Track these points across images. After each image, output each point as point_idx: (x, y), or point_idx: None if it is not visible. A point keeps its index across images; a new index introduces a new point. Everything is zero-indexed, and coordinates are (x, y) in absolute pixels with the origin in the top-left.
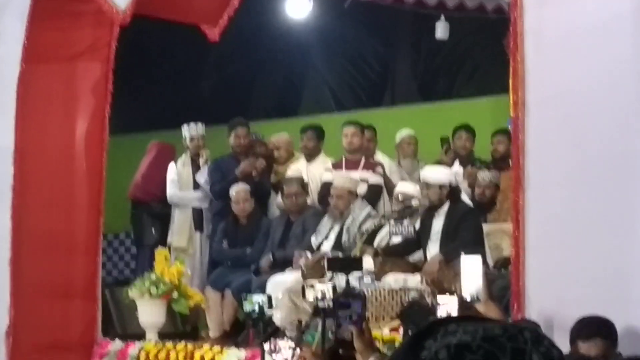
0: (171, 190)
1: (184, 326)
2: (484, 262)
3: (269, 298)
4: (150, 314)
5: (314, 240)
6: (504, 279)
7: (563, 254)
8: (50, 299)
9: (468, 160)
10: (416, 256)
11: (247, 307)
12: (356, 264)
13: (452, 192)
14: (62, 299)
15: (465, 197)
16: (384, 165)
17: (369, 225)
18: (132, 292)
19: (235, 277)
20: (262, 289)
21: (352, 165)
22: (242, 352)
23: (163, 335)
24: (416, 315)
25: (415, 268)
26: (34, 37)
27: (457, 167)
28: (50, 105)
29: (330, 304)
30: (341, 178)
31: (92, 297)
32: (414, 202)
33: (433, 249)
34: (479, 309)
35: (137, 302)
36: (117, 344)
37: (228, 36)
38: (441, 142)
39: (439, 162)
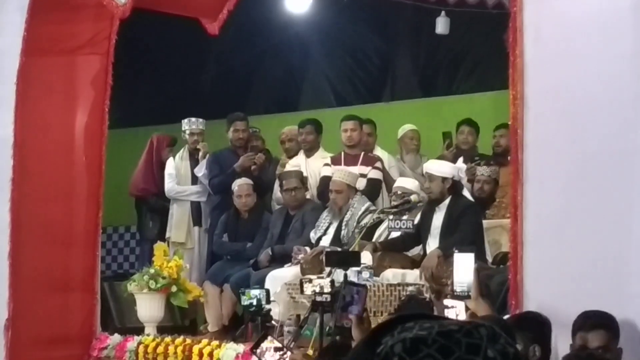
0: (169, 185)
1: (182, 320)
2: (483, 258)
3: (267, 292)
4: (149, 308)
5: (313, 235)
6: (502, 275)
7: (561, 249)
8: (49, 292)
9: (470, 155)
10: (415, 251)
11: (245, 301)
12: (354, 259)
13: (454, 186)
14: (61, 292)
15: (466, 193)
16: (383, 160)
17: (367, 220)
18: (131, 286)
19: (234, 271)
20: (260, 284)
21: (351, 160)
22: (241, 347)
23: (162, 329)
24: (414, 310)
25: (414, 263)
26: (34, 30)
27: (460, 162)
28: (49, 98)
29: (329, 297)
30: (340, 172)
31: (90, 290)
32: (413, 197)
33: (433, 243)
34: (469, 305)
35: (135, 296)
36: (115, 338)
37: (228, 30)
38: (443, 137)
39: (441, 157)
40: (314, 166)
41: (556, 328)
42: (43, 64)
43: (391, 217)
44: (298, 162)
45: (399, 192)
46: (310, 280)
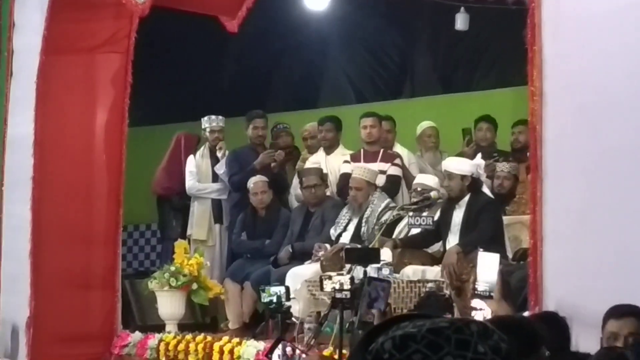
0: (190, 182)
1: (203, 318)
2: (503, 254)
3: (287, 289)
4: (169, 305)
5: (333, 232)
6: (522, 271)
7: (581, 245)
8: (70, 290)
9: (489, 151)
10: (435, 248)
11: (265, 298)
12: (374, 256)
13: (474, 183)
14: (82, 290)
15: (486, 189)
16: (403, 157)
17: (387, 216)
18: (152, 284)
19: (254, 268)
20: (281, 281)
21: (371, 156)
22: (261, 344)
23: (182, 327)
24: (433, 306)
25: (434, 260)
26: (54, 29)
27: (479, 159)
28: (70, 97)
29: (348, 294)
30: (360, 169)
31: (111, 288)
32: (433, 194)
33: (453, 240)
34: (490, 307)
35: (156, 294)
36: (136, 336)
37: (247, 28)
38: (463, 134)
39: (461, 154)
40: (333, 163)
41: (576, 325)
42: (63, 63)
43: (411, 213)
44: (318, 159)
45: (419, 189)
46: (330, 277)
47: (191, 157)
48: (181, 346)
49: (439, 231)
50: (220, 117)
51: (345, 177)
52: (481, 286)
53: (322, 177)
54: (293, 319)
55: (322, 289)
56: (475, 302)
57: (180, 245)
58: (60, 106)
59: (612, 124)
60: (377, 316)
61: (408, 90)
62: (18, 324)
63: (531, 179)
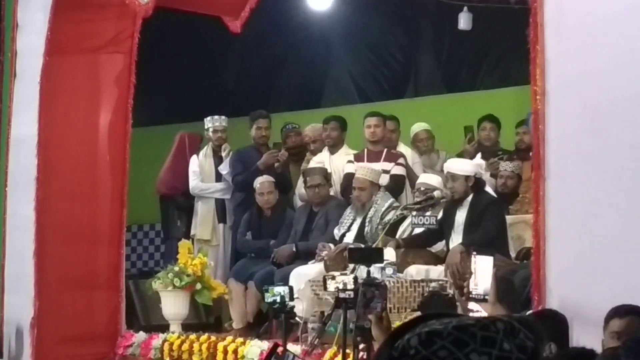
0: (193, 182)
1: (207, 318)
2: (506, 253)
3: (291, 289)
4: (173, 305)
5: (337, 232)
6: (526, 270)
7: (584, 245)
8: (74, 290)
9: (493, 150)
10: (438, 247)
11: (268, 298)
12: (377, 256)
13: (477, 183)
14: (86, 290)
15: (489, 189)
16: (406, 157)
17: (391, 216)
18: (156, 284)
19: (258, 268)
20: (284, 281)
21: (374, 156)
22: (265, 344)
23: (186, 327)
24: (436, 306)
25: (437, 259)
26: (57, 29)
27: (479, 159)
28: (73, 97)
29: (352, 294)
30: (363, 169)
31: (115, 288)
32: (436, 194)
33: (456, 240)
34: (485, 310)
35: (160, 294)
36: (140, 336)
37: (250, 28)
38: (465, 131)
39: (463, 152)
40: (337, 163)
41: (579, 324)
42: (66, 63)
43: (414, 213)
44: (322, 159)
45: (422, 188)
46: (334, 277)
47: (194, 157)
48: (185, 346)
49: (442, 231)
50: (223, 117)
51: (348, 177)
52: (475, 290)
53: (326, 176)
54: (297, 318)
55: (325, 288)
56: (471, 305)
57: (184, 245)
58: (64, 107)
59: (615, 123)
60: (374, 322)
61: (412, 89)
62: (22, 324)
63: (534, 178)
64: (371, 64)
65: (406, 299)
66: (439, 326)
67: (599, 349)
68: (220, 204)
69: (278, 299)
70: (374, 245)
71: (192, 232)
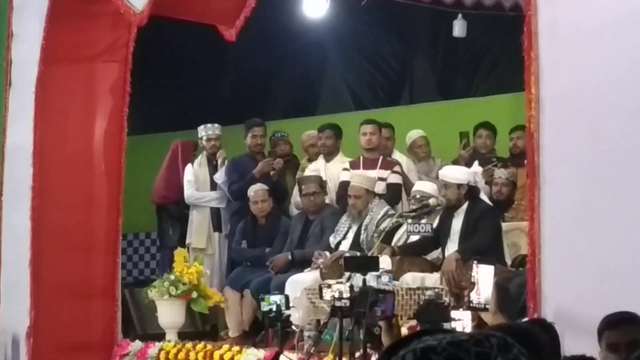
0: (189, 191)
1: (203, 326)
2: (502, 261)
3: (287, 298)
4: (169, 314)
5: (332, 240)
6: (521, 277)
7: (579, 252)
8: (70, 299)
9: (488, 158)
10: (434, 255)
11: (264, 307)
12: (373, 264)
13: (471, 191)
14: (82, 299)
15: (484, 197)
16: (402, 164)
17: (386, 224)
18: (152, 293)
19: (254, 276)
20: (280, 289)
21: (370, 164)
22: (261, 352)
23: (183, 336)
24: (432, 314)
25: (433, 267)
26: (52, 38)
27: (476, 167)
28: (68, 106)
29: (348, 302)
30: (358, 177)
31: (111, 297)
32: (432, 201)
33: (452, 248)
34: (485, 319)
35: (156, 303)
36: (137, 345)
37: (245, 36)
38: (460, 137)
39: (458, 158)
40: (333, 170)
41: (574, 331)
42: (62, 72)
43: (410, 220)
44: (317, 167)
45: (418, 196)
46: (330, 286)
47: (189, 166)
48: (181, 355)
49: (438, 238)
50: (216, 125)
51: (344, 185)
52: (476, 299)
53: (322, 184)
54: (293, 327)
55: (321, 297)
56: (455, 313)
57: (179, 253)
58: (59, 116)
59: (609, 130)
60: (384, 328)
61: (406, 97)
62: (18, 333)
63: (529, 186)
64: (366, 72)
65: (402, 307)
66: (434, 342)
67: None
68: (215, 213)
69: (274, 307)
70: (369, 253)
71: (187, 241)
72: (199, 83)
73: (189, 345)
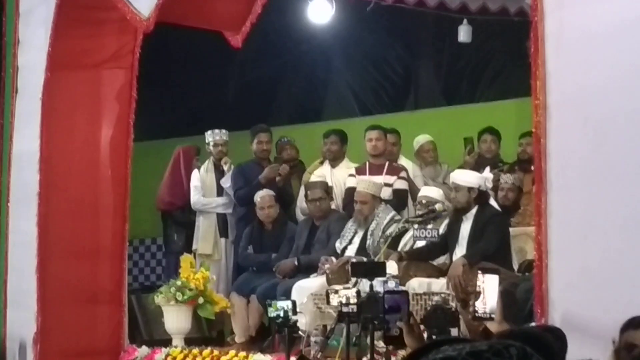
0: (195, 197)
1: (209, 332)
2: (509, 267)
3: (294, 303)
4: (176, 319)
5: (339, 245)
6: (528, 283)
7: (587, 257)
8: (76, 305)
9: (493, 163)
10: (440, 260)
11: (271, 312)
12: (380, 269)
13: (481, 196)
14: (89, 305)
15: (493, 202)
16: (408, 170)
17: (393, 229)
18: (158, 298)
19: (261, 282)
20: (287, 294)
21: (376, 169)
22: (268, 358)
23: (189, 341)
24: (440, 320)
25: (439, 272)
26: (59, 45)
27: (487, 172)
28: (75, 113)
29: (354, 308)
30: (364, 183)
31: (118, 303)
32: (438, 206)
33: (460, 253)
34: (491, 327)
35: (163, 308)
36: (143, 350)
37: (251, 42)
38: (465, 143)
39: (463, 164)
40: (339, 176)
41: (582, 336)
42: (68, 79)
43: (416, 226)
44: (323, 173)
45: (424, 201)
46: (336, 291)
47: (195, 171)
48: None
49: (446, 243)
50: (223, 130)
51: (350, 192)
52: (481, 308)
53: (327, 190)
54: (299, 332)
55: (328, 302)
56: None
57: (186, 259)
58: (66, 122)
59: (617, 136)
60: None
61: (412, 102)
62: (25, 339)
63: (535, 191)
64: (371, 77)
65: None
66: (453, 352)
67: None
68: (221, 219)
69: (281, 313)
70: (376, 259)
71: (193, 247)
72: (205, 89)
73: (195, 350)
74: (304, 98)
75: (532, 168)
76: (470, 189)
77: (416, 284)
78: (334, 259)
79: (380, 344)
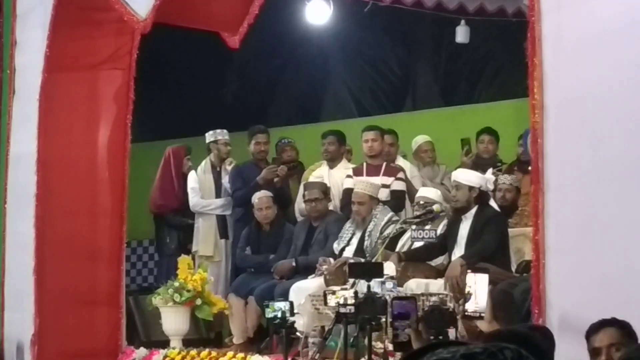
0: (194, 199)
1: (207, 333)
2: (508, 268)
3: (292, 305)
4: (174, 321)
5: (336, 246)
6: (525, 283)
7: (584, 258)
8: (74, 307)
9: (491, 163)
10: (438, 261)
11: (269, 314)
12: (378, 270)
13: (481, 196)
14: (87, 306)
15: (493, 204)
16: (405, 170)
17: (390, 230)
18: (156, 300)
19: (258, 283)
20: (284, 295)
21: (373, 170)
22: (266, 359)
23: (187, 342)
24: (437, 320)
25: (437, 273)
26: (56, 46)
27: (489, 174)
28: (72, 114)
29: (352, 309)
30: (362, 184)
31: (116, 304)
32: (436, 207)
33: (459, 253)
34: (481, 326)
35: (160, 310)
36: (141, 352)
37: (248, 43)
38: (462, 144)
39: (461, 165)
40: (336, 177)
41: (579, 336)
42: (65, 80)
43: (414, 227)
44: (321, 174)
45: (422, 202)
46: (334, 292)
47: (192, 173)
48: None
49: (444, 244)
50: (224, 130)
51: (348, 193)
52: (470, 308)
53: (325, 191)
54: (297, 333)
55: (326, 303)
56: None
57: (183, 260)
58: (63, 123)
59: (614, 136)
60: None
61: (410, 103)
62: (23, 341)
63: (533, 192)
64: (369, 78)
65: None
66: (447, 355)
67: None
68: (221, 220)
69: (279, 314)
70: (373, 260)
71: (193, 249)
72: (202, 90)
73: (193, 352)
74: (301, 99)
75: (530, 168)
76: (471, 188)
77: (414, 285)
78: (331, 260)
79: (378, 345)
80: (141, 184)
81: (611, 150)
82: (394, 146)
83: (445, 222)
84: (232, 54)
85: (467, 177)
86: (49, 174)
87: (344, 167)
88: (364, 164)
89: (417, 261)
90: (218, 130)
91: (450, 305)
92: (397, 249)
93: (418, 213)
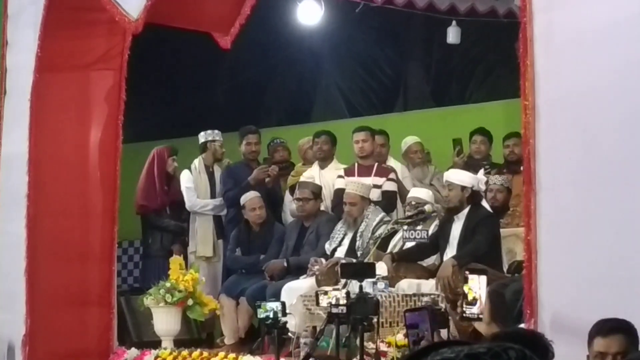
0: (191, 199)
1: (199, 333)
2: (500, 268)
3: (283, 305)
4: (165, 321)
5: (328, 246)
6: (517, 284)
7: (576, 258)
8: (65, 307)
9: (483, 164)
10: (430, 261)
11: (261, 314)
12: (370, 270)
13: (473, 196)
14: (78, 307)
15: (485, 204)
16: (397, 171)
17: (382, 230)
18: (148, 300)
19: (249, 284)
20: (276, 296)
21: (365, 171)
22: (257, 359)
23: (178, 343)
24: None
25: (429, 273)
26: (47, 47)
27: (481, 174)
28: (63, 114)
29: (344, 309)
30: (353, 184)
31: (107, 305)
32: (427, 208)
33: (450, 253)
34: (480, 328)
35: (152, 310)
36: (132, 352)
37: (240, 44)
38: (453, 144)
39: (452, 165)
40: (328, 177)
41: (571, 336)
42: (56, 80)
43: (405, 227)
44: (312, 174)
45: (413, 203)
46: (326, 292)
47: (186, 172)
48: None
49: (436, 244)
50: (217, 131)
51: (339, 193)
52: (468, 309)
53: (315, 191)
54: (289, 333)
55: (317, 303)
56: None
57: (175, 261)
58: (54, 124)
59: (605, 136)
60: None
61: (401, 103)
62: (14, 341)
63: (525, 192)
64: (360, 79)
65: (398, 314)
66: (451, 354)
67: None
68: (217, 220)
69: (271, 314)
70: (365, 260)
71: (190, 249)
72: (194, 90)
73: (184, 352)
74: (293, 100)
75: (521, 168)
76: (463, 188)
77: (406, 285)
78: (323, 260)
79: (370, 345)
80: (132, 185)
81: (603, 150)
82: (385, 147)
83: (436, 222)
84: (223, 55)
85: (459, 177)
86: (40, 175)
87: (335, 168)
88: (356, 165)
89: (409, 261)
90: (215, 131)
91: (442, 305)
92: (388, 250)
93: (410, 213)
